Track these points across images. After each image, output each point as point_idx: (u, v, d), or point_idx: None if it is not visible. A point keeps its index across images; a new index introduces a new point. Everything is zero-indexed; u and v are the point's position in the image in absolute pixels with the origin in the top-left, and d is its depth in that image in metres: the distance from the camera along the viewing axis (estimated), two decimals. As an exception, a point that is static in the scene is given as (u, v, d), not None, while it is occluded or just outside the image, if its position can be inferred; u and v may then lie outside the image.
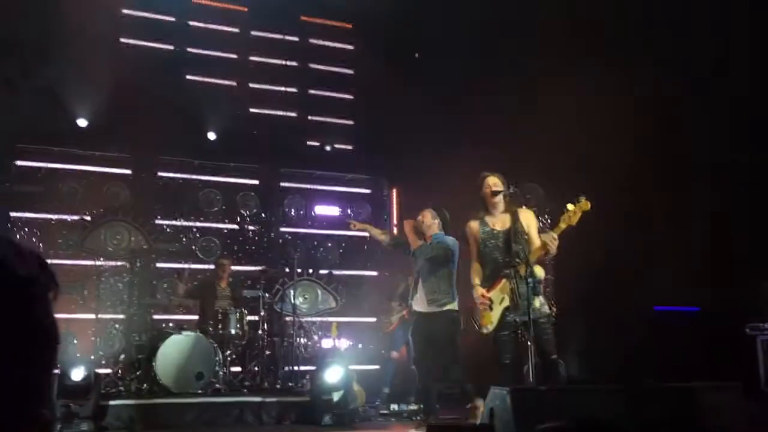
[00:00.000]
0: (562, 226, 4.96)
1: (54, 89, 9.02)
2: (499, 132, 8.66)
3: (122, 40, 9.96)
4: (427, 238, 6.54)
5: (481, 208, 5.61)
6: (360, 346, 9.70)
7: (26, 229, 9.07)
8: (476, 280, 5.50)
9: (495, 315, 5.33)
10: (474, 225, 5.58)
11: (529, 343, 5.01)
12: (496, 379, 5.02)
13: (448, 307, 6.27)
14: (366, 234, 10.84)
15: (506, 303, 5.29)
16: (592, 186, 5.34)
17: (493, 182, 5.55)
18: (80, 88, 9.31)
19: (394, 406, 7.81)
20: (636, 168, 8.02)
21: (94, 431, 6.21)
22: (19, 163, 9.24)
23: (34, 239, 9.01)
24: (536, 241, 5.26)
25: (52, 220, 9.19)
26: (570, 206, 4.94)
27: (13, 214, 9.04)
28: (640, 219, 8.38)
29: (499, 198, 5.52)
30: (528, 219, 5.47)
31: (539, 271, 5.28)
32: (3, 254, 0.81)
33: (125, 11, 10.02)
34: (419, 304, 6.41)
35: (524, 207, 5.99)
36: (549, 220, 7.82)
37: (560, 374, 5.52)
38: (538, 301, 5.24)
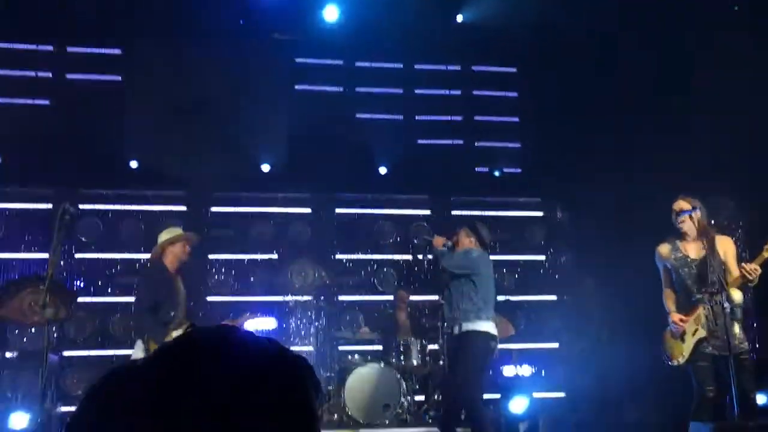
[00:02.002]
0: (765, 255, 4.61)
1: (240, 139, 9.80)
2: (678, 148, 8.18)
3: (297, 87, 10.61)
4: None
5: (674, 232, 5.36)
6: (543, 373, 9.48)
7: (222, 269, 9.86)
8: (671, 306, 5.24)
9: (687, 347, 5.05)
10: (664, 249, 5.32)
11: (729, 376, 4.66)
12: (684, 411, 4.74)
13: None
14: (542, 257, 10.70)
15: (701, 334, 4.99)
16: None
17: (678, 206, 5.26)
18: (263, 135, 10.06)
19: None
20: None
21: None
22: (213, 209, 10.07)
23: (228, 278, 9.80)
24: (735, 271, 4.93)
25: (244, 260, 9.92)
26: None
27: (210, 256, 9.87)
28: None
29: (687, 223, 5.21)
30: (726, 246, 5.10)
31: (737, 295, 4.92)
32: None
33: (298, 59, 10.67)
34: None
35: (720, 233, 5.56)
36: (741, 239, 7.25)
37: (756, 411, 5.08)
38: (737, 327, 4.89)
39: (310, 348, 9.11)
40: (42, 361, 4.76)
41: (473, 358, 5.71)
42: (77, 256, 9.34)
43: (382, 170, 10.46)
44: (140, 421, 0.69)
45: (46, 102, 9.79)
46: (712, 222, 5.86)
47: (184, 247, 6.04)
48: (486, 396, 8.36)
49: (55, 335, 8.19)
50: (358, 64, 10.91)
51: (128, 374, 0.75)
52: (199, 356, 0.76)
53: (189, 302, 6.41)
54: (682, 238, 5.25)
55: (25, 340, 8.49)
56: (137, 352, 5.59)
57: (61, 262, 8.80)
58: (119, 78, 10.04)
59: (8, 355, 7.75)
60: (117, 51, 10.08)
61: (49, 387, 6.23)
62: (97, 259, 9.45)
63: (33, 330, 8.36)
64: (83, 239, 9.39)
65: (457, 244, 6.12)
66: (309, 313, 9.38)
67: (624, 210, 8.50)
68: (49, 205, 9.29)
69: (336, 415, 7.82)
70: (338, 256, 10.20)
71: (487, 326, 5.76)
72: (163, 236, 6.09)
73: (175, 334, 5.68)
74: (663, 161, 7.89)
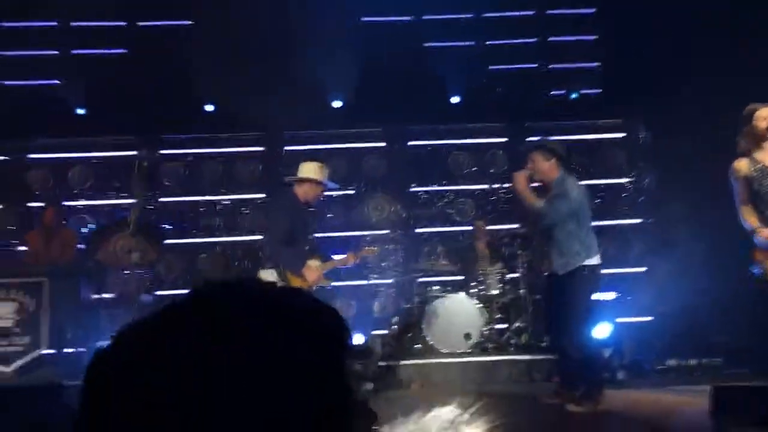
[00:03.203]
0: None
1: (310, 76, 9.78)
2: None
3: (363, 19, 10.43)
4: (548, 188, 5.53)
5: (746, 145, 5.03)
6: (628, 298, 9.30)
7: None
8: (755, 222, 4.97)
9: (782, 261, 4.81)
10: (742, 164, 5.02)
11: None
12: None
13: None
14: (625, 180, 10.35)
15: (796, 246, 4.74)
16: None
17: (766, 114, 4.93)
18: (332, 71, 10.00)
19: (671, 362, 7.40)
20: None
21: (376, 391, 6.74)
22: (288, 148, 10.18)
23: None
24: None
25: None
26: None
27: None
28: None
29: None
30: None
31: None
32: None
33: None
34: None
35: None
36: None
37: None
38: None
39: (390, 281, 9.24)
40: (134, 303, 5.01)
41: (588, 293, 5.38)
42: (162, 199, 9.68)
43: (455, 99, 10.26)
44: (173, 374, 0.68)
45: (123, 51, 10.01)
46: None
47: (322, 190, 6.02)
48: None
49: (147, 277, 8.61)
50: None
51: (154, 328, 0.73)
52: (240, 308, 0.73)
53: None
54: (759, 148, 4.95)
55: (121, 282, 8.97)
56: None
57: (148, 207, 9.16)
58: (190, 22, 10.12)
59: (106, 296, 8.23)
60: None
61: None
62: (181, 201, 9.78)
63: (127, 272, 8.81)
64: (167, 183, 9.71)
65: (536, 172, 5.54)
66: (387, 247, 9.47)
67: (710, 127, 8.06)
68: (134, 152, 9.63)
69: (419, 345, 7.95)
70: (414, 189, 10.17)
71: (598, 258, 5.42)
72: (312, 170, 5.95)
73: (311, 263, 5.78)
74: (749, 77, 7.39)
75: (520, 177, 5.60)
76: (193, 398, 0.67)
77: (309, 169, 5.97)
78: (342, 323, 0.78)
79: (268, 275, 5.46)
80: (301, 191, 5.85)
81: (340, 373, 0.75)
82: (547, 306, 5.94)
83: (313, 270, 5.77)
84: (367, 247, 6.70)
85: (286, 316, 0.75)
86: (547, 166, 5.50)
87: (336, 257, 6.36)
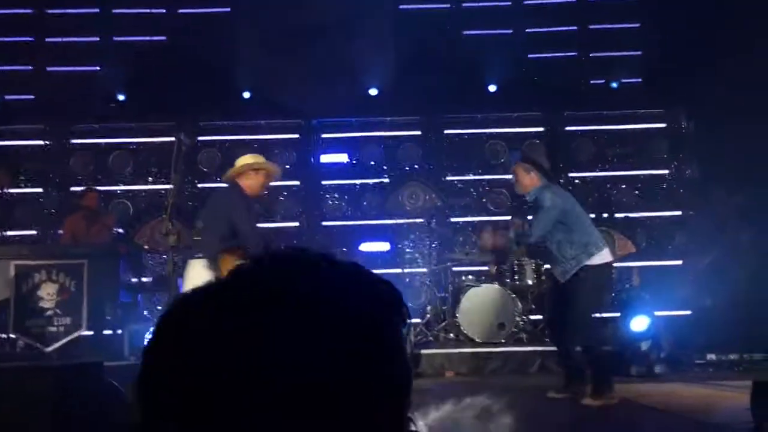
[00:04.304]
0: None
1: (347, 64, 9.78)
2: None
3: (401, 6, 10.37)
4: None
5: None
6: (666, 291, 9.13)
7: (336, 195, 10.04)
8: None
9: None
10: None
11: None
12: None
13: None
14: (666, 171, 10.13)
15: None
16: None
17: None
18: (369, 59, 9.98)
19: (710, 356, 7.25)
20: None
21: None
22: (324, 135, 10.20)
23: (342, 203, 9.99)
24: None
25: (356, 185, 10.05)
26: None
27: (323, 182, 10.07)
28: None
29: None
30: None
31: None
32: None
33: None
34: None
35: None
36: None
37: None
38: None
39: (424, 270, 9.21)
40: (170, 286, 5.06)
41: (591, 294, 5.31)
42: (199, 185, 9.78)
43: (492, 88, 10.15)
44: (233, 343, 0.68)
45: (163, 38, 10.12)
46: None
47: (267, 177, 5.67)
48: (606, 315, 8.21)
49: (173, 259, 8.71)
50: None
51: (209, 299, 0.74)
52: (293, 278, 0.73)
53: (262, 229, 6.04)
54: None
55: (158, 266, 9.10)
56: (197, 270, 5.28)
57: (185, 192, 9.26)
58: (228, 9, 10.19)
59: (144, 279, 8.36)
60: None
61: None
62: (218, 188, 9.85)
63: (165, 256, 8.93)
64: (204, 169, 9.80)
65: (519, 185, 5.67)
66: (422, 236, 9.44)
67: (753, 118, 7.85)
68: (171, 138, 9.72)
69: (452, 334, 7.92)
70: (449, 178, 10.10)
71: (601, 256, 5.34)
72: (247, 159, 5.73)
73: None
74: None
75: (484, 237, 6.15)
76: (256, 361, 0.67)
77: (243, 159, 5.75)
78: (399, 295, 0.79)
79: (197, 265, 5.31)
80: (245, 184, 5.56)
81: (400, 346, 0.76)
82: (552, 308, 5.86)
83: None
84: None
85: (347, 287, 0.75)
86: (528, 180, 5.57)
87: None
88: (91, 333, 7.11)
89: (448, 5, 10.59)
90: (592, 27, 10.49)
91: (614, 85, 10.24)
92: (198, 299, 0.74)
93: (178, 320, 0.73)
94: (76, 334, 6.73)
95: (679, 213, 9.99)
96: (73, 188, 9.57)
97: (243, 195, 5.49)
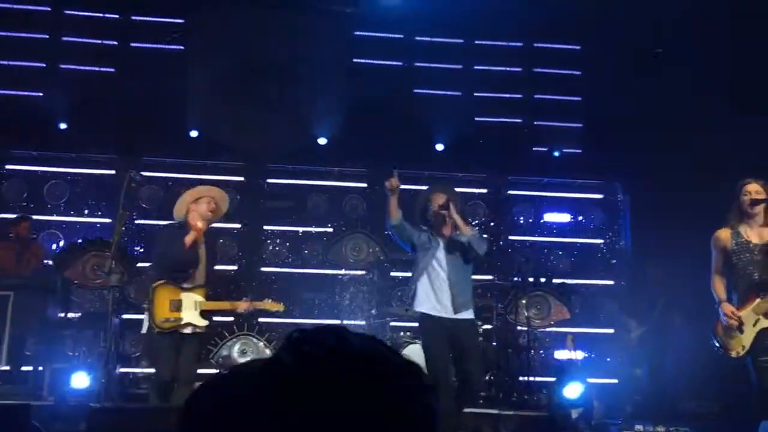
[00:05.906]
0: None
1: (299, 110, 9.82)
2: (743, 129, 7.86)
3: (355, 60, 10.54)
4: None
5: (734, 217, 5.12)
6: (598, 358, 9.33)
7: (277, 241, 9.93)
8: (722, 295, 5.03)
9: (747, 338, 4.86)
10: (724, 234, 5.09)
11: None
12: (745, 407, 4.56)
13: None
14: (600, 241, 10.46)
15: (764, 324, 4.81)
16: None
17: (755, 189, 5.02)
18: (320, 108, 10.05)
19: (638, 426, 7.38)
20: None
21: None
22: (270, 180, 10.13)
23: (283, 250, 9.87)
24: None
25: (299, 232, 9.97)
26: None
27: (265, 227, 9.96)
28: None
29: (760, 208, 4.99)
30: None
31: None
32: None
33: (357, 33, 10.58)
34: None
35: None
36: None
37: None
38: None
39: (362, 323, 9.14)
40: (104, 323, 4.87)
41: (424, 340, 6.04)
42: (138, 222, 9.52)
43: (439, 147, 10.34)
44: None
45: (111, 70, 9.94)
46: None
47: (209, 204, 5.66)
48: (539, 379, 8.31)
49: (117, 298, 8.39)
50: (418, 38, 10.76)
51: (254, 373, 0.76)
52: (347, 362, 0.78)
53: (211, 268, 5.91)
54: (744, 223, 5.04)
55: (87, 302, 8.73)
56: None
57: (123, 228, 8.98)
58: (182, 47, 10.12)
59: (71, 315, 7.99)
60: (179, 20, 10.17)
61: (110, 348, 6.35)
62: (157, 225, 9.61)
63: (95, 293, 8.58)
64: (144, 206, 9.56)
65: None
66: (362, 288, 9.40)
67: (688, 195, 8.24)
68: (112, 171, 9.49)
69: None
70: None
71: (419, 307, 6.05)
72: (187, 195, 5.78)
73: (191, 295, 5.42)
74: (727, 144, 7.61)
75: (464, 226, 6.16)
76: None
77: (188, 193, 5.80)
78: (426, 381, 0.87)
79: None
80: (191, 218, 5.55)
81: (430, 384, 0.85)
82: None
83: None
84: (269, 300, 6.37)
85: (380, 369, 0.81)
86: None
87: (238, 303, 5.96)
88: (8, 368, 6.76)
89: (401, 63, 10.81)
90: (537, 96, 10.89)
91: (556, 153, 10.60)
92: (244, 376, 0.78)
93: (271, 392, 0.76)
94: (-8, 370, 6.36)
95: (611, 283, 10.29)
96: (3, 215, 9.16)
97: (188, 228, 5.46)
